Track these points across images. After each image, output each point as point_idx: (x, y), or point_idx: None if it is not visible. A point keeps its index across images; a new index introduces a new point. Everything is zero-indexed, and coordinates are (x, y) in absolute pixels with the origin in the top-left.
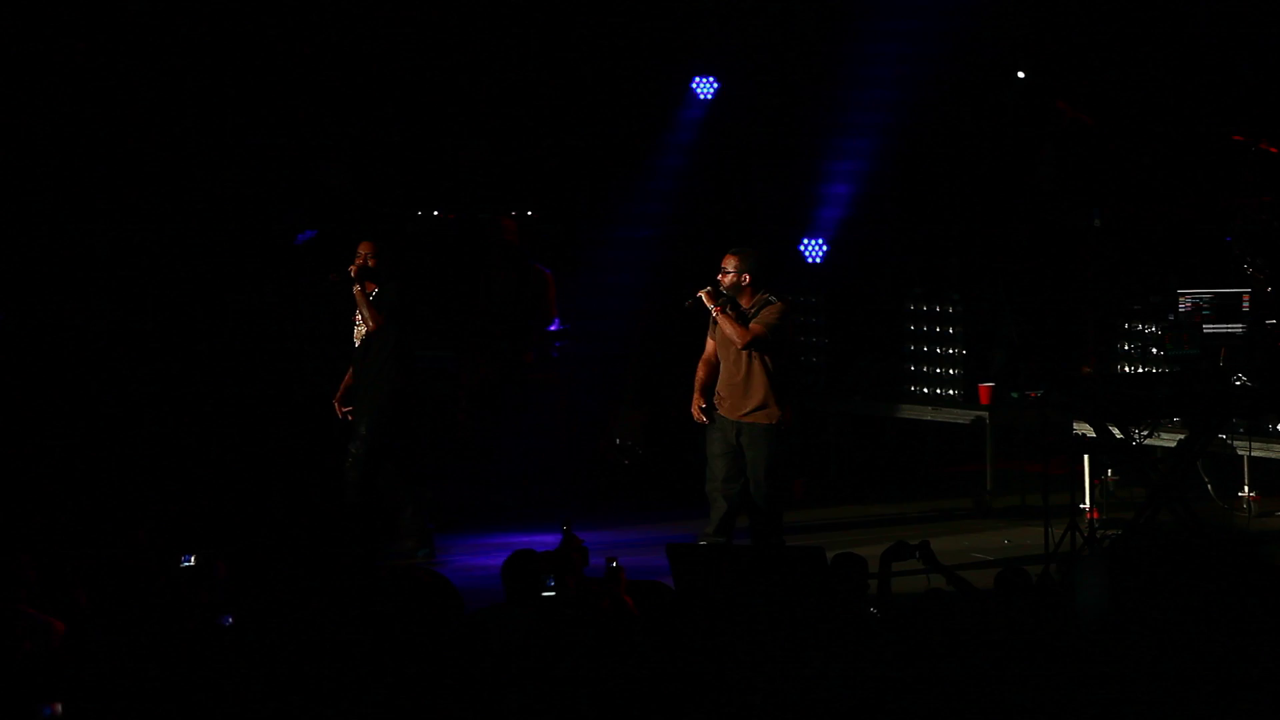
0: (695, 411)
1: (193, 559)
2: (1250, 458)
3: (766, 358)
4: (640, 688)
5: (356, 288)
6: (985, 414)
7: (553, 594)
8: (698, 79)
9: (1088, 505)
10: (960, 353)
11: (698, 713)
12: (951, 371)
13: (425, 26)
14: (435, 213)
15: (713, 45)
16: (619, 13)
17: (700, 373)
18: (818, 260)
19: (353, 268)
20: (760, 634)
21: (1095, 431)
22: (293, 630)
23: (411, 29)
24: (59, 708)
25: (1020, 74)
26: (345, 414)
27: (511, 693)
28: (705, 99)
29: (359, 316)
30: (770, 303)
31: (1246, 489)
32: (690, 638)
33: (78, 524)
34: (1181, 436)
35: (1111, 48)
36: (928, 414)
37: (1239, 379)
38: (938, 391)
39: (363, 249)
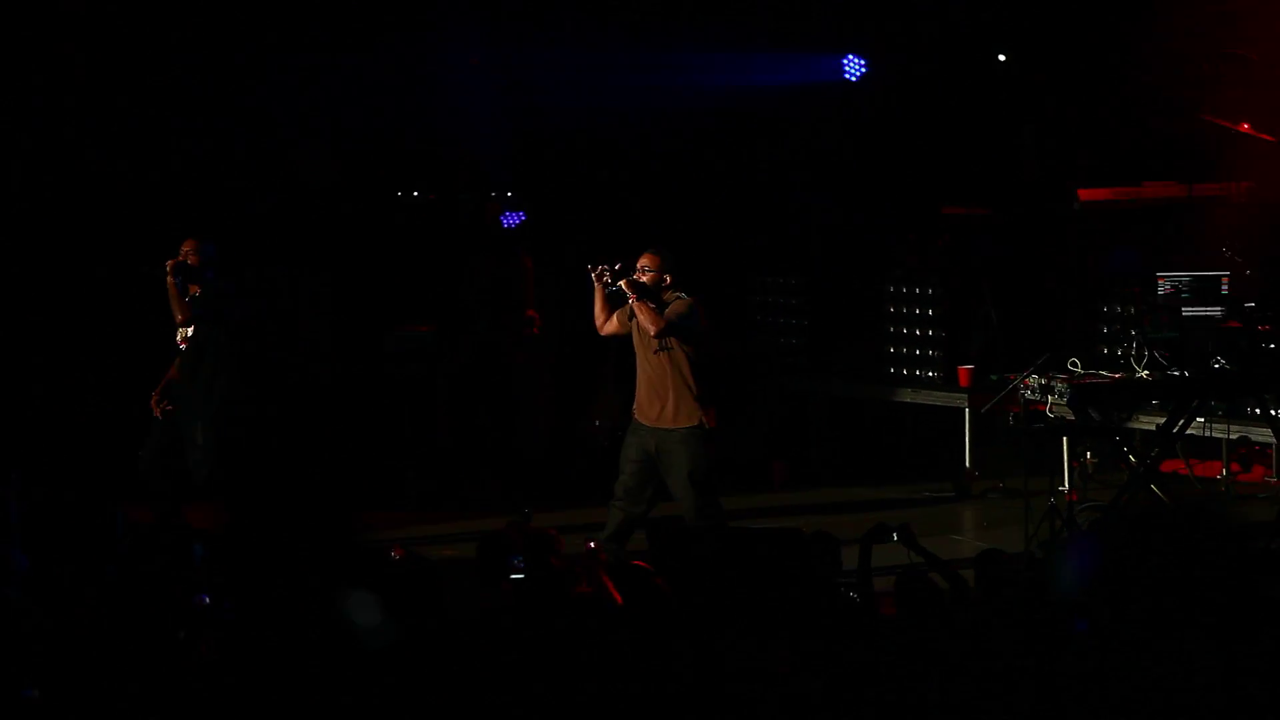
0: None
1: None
2: (1228, 439)
3: (684, 355)
4: (624, 674)
5: (170, 279)
6: (966, 396)
7: (522, 576)
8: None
9: (1066, 488)
10: (940, 335)
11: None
12: (931, 353)
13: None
14: (415, 194)
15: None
16: None
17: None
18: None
19: (171, 262)
20: (737, 616)
21: (1075, 414)
22: (276, 614)
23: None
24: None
25: (1001, 56)
26: (163, 409)
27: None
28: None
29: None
30: (680, 298)
31: (1225, 470)
32: (671, 621)
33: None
34: (1161, 420)
35: (1090, 30)
36: (907, 396)
37: (1218, 362)
38: (917, 373)
39: (186, 246)
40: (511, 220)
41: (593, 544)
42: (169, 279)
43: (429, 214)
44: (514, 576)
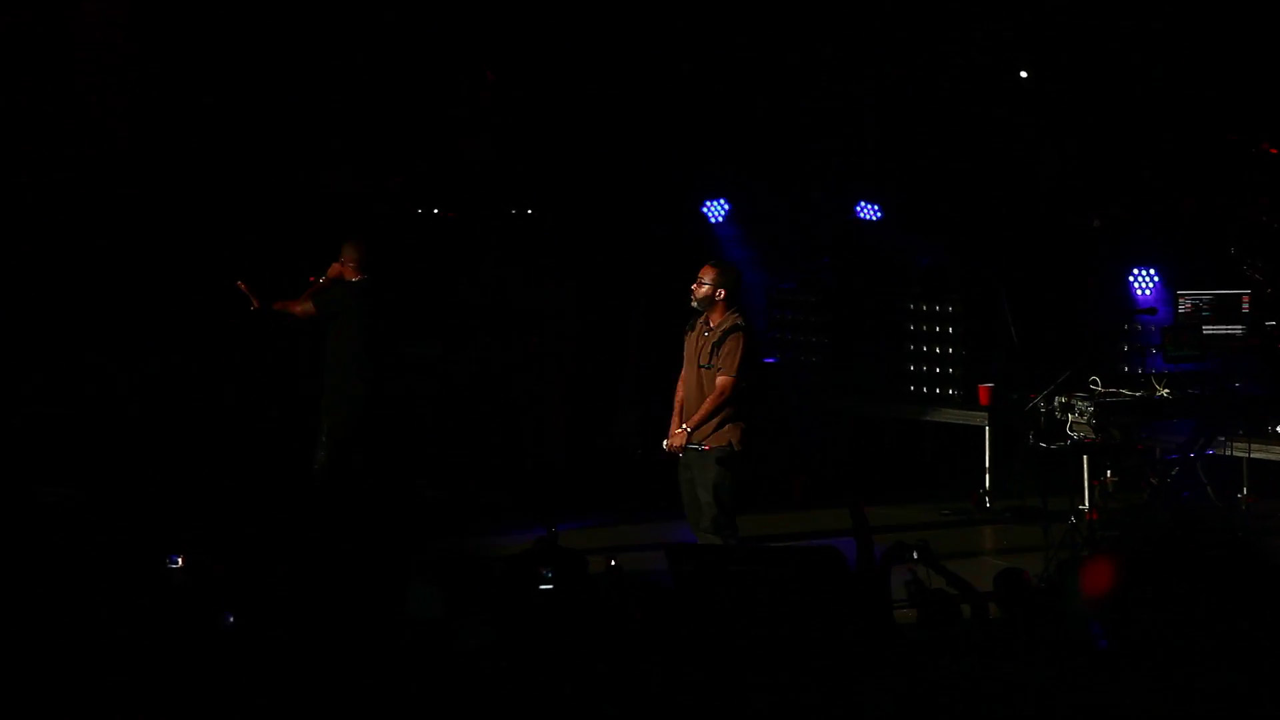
0: (679, 440)
1: (180, 560)
2: (1249, 460)
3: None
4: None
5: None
6: (986, 414)
7: (551, 587)
8: None
9: (1086, 507)
10: (960, 353)
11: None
12: (951, 371)
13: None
14: (435, 210)
15: None
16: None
17: (681, 393)
18: (824, 260)
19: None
20: (765, 638)
21: (1095, 433)
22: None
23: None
24: None
25: (1023, 73)
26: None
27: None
28: None
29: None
30: (735, 329)
31: (1245, 490)
32: (688, 640)
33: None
34: (1181, 439)
35: (1113, 47)
36: (927, 414)
37: (1238, 384)
38: (937, 391)
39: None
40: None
41: (613, 562)
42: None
43: (445, 230)
44: (543, 588)
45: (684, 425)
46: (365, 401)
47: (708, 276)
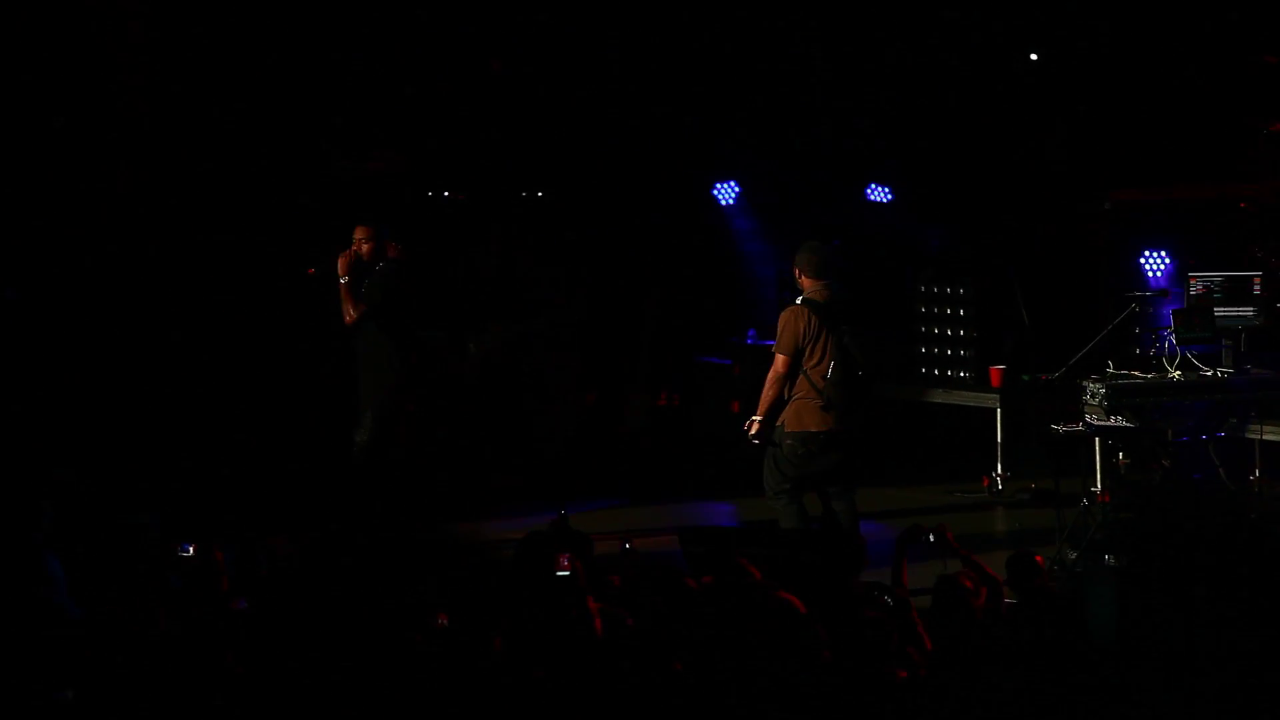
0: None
1: (191, 549)
2: (1261, 441)
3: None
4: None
5: (345, 280)
6: (998, 396)
7: (567, 574)
8: None
9: (1099, 489)
10: (972, 335)
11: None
12: (963, 354)
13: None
14: (445, 193)
15: None
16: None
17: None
18: (837, 242)
19: (347, 256)
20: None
21: (1108, 415)
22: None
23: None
24: (70, 694)
25: (1033, 55)
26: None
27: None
28: None
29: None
30: (786, 308)
31: (1258, 473)
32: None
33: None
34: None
35: (1123, 28)
36: (939, 396)
37: (1250, 367)
38: (949, 374)
39: (359, 234)
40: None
41: (628, 544)
42: (343, 278)
43: (457, 214)
44: (560, 574)
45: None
46: (406, 380)
47: (797, 259)
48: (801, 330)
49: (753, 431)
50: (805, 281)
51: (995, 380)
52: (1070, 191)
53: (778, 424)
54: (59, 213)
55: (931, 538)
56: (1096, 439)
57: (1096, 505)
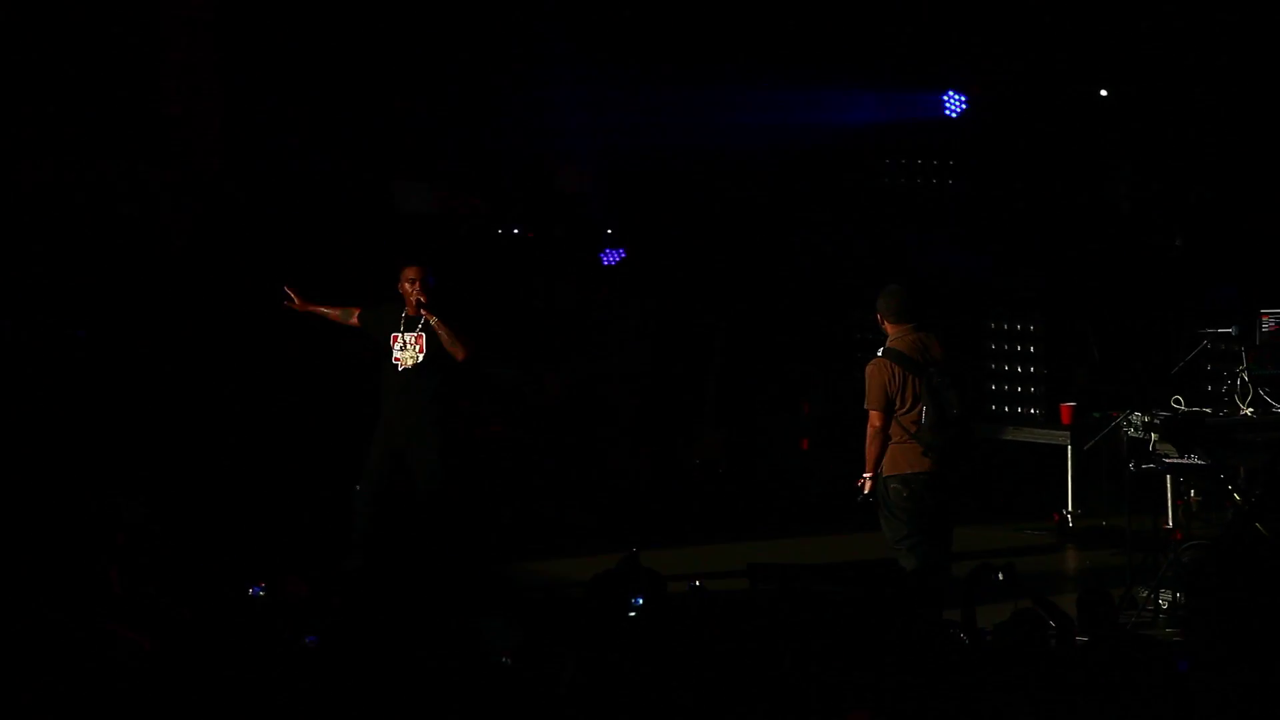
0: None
1: (263, 588)
2: None
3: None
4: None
5: (435, 319)
6: (1068, 434)
7: (635, 614)
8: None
9: (1170, 526)
10: (1042, 371)
11: None
12: (1033, 390)
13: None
14: (515, 230)
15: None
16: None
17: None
18: None
19: (419, 297)
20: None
21: (1179, 452)
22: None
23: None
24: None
25: (1103, 91)
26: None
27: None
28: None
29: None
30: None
31: None
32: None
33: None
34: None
35: (1193, 63)
36: (1009, 433)
37: None
38: (1019, 410)
39: (411, 273)
40: (611, 258)
41: (698, 583)
42: (433, 318)
43: (526, 250)
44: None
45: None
46: (453, 430)
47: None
48: (887, 382)
49: (866, 490)
50: (888, 327)
51: (1066, 417)
52: (1140, 227)
53: (878, 473)
54: (132, 253)
55: (1001, 576)
56: (1168, 476)
57: (1167, 543)
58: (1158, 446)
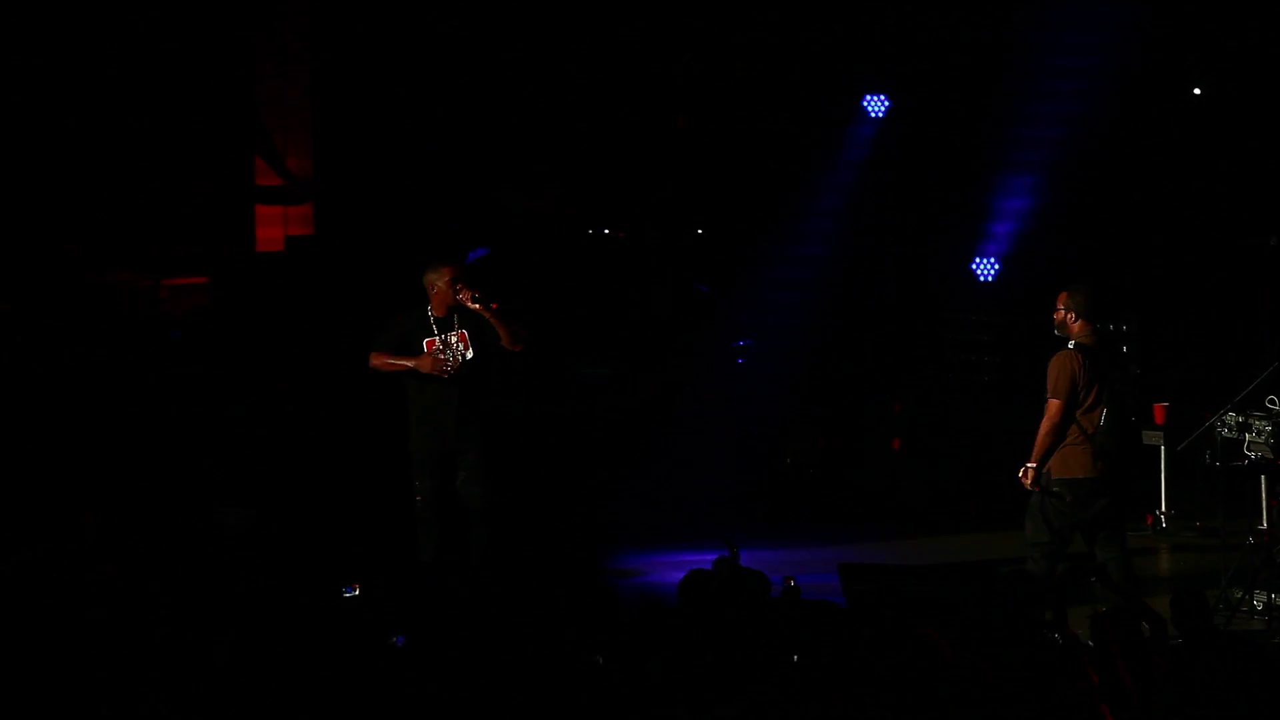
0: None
1: (356, 589)
2: None
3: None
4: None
5: (493, 306)
6: (1162, 434)
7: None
8: (868, 96)
9: (1265, 527)
10: (1135, 371)
11: None
12: None
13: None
14: (606, 231)
15: (883, 61)
16: (789, 30)
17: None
18: (989, 279)
19: (471, 293)
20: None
21: (1274, 453)
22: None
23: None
24: None
25: (1196, 90)
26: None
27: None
28: (876, 116)
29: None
30: (1061, 351)
31: None
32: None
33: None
34: None
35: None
36: None
37: None
38: None
39: (449, 273)
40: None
41: (792, 582)
42: (491, 305)
43: (617, 251)
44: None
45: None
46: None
47: (1059, 302)
48: (1076, 373)
49: (1028, 481)
50: (1076, 325)
51: (1159, 417)
52: (1234, 226)
53: (1045, 472)
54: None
55: (1095, 579)
56: (1262, 476)
57: (1262, 544)
58: (1252, 447)
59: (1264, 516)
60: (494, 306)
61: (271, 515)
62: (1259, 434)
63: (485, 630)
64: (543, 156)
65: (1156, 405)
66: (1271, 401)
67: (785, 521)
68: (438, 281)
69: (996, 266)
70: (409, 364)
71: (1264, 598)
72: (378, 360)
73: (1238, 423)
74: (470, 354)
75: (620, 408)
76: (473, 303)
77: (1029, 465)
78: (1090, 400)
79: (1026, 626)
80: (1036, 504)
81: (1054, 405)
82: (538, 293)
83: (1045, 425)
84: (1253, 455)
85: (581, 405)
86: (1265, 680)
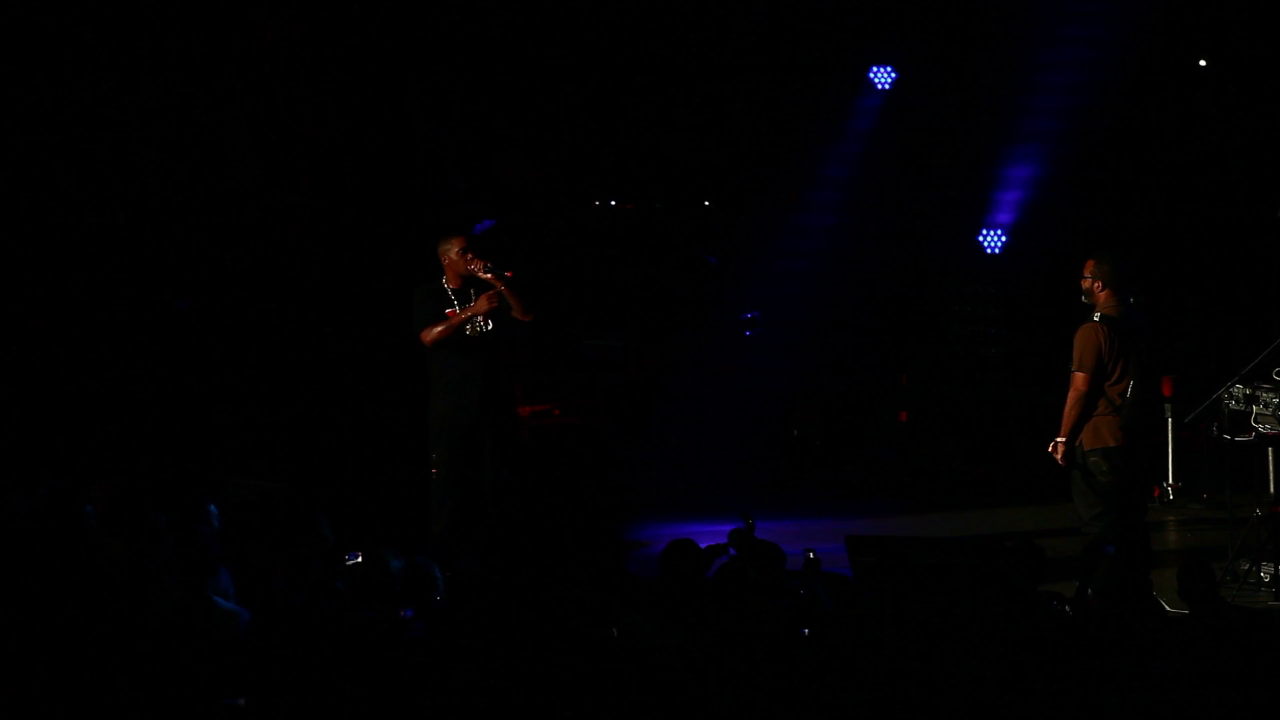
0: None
1: (359, 556)
2: None
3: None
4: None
5: (507, 274)
6: (1169, 406)
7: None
8: (875, 68)
9: (1273, 497)
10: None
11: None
12: None
13: (601, 20)
14: (613, 202)
15: (890, 34)
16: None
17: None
18: (996, 251)
19: (483, 263)
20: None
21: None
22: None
23: (590, 22)
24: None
25: (1202, 62)
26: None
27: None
28: (883, 88)
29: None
30: (1087, 322)
31: None
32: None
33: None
34: None
35: None
36: None
37: None
38: None
39: (460, 243)
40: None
41: (812, 554)
42: (503, 276)
43: (624, 222)
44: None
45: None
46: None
47: (1086, 270)
48: (1101, 345)
49: (1059, 455)
50: (1103, 295)
51: (1166, 389)
52: (1241, 198)
53: (1077, 444)
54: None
55: (1111, 549)
56: (1269, 449)
57: (1269, 515)
58: (1259, 419)
59: (1271, 489)
60: (508, 275)
61: (285, 486)
62: (1266, 406)
63: (493, 605)
64: (546, 125)
65: (1164, 377)
66: (1278, 374)
67: (791, 493)
68: (450, 252)
69: (1004, 238)
70: (466, 314)
71: (1271, 569)
72: (429, 335)
73: (1245, 395)
74: (490, 326)
75: (627, 380)
76: (485, 272)
77: (1059, 440)
78: (1117, 373)
79: (1034, 599)
80: (1080, 479)
81: (1079, 378)
82: (544, 264)
83: (1072, 398)
84: (1260, 427)
85: (588, 377)
86: (1272, 652)
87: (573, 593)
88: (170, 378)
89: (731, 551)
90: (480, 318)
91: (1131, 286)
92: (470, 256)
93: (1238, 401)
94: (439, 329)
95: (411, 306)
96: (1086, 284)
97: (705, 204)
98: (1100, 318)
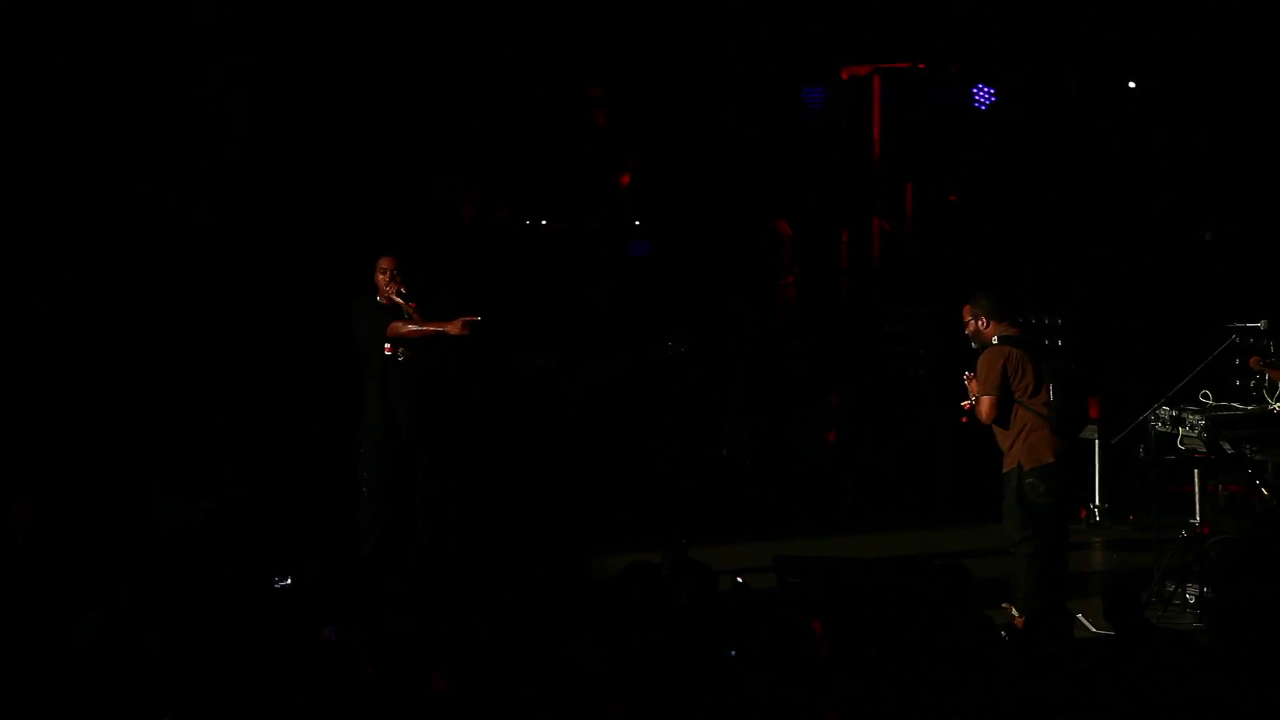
0: None
1: (289, 579)
2: None
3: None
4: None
5: (411, 305)
6: (1095, 428)
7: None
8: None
9: (1198, 520)
10: (1069, 365)
11: None
12: None
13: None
14: (544, 221)
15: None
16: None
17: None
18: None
19: (399, 287)
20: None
21: (1207, 447)
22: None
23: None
24: None
25: (1131, 84)
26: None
27: None
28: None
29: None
30: (985, 349)
31: None
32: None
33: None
34: None
35: (1231, 56)
36: None
37: None
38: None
39: (386, 264)
40: (638, 250)
41: (740, 579)
42: (412, 308)
43: (556, 242)
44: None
45: None
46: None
47: (965, 316)
48: (1003, 366)
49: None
50: (990, 328)
51: (1093, 411)
52: (1171, 221)
53: (1013, 468)
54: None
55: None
56: (1195, 470)
57: (1195, 537)
58: (1185, 441)
59: (1196, 510)
60: (411, 306)
61: (217, 508)
62: (1192, 428)
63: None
64: (478, 148)
65: (1090, 399)
66: (1205, 396)
67: (721, 514)
68: (381, 270)
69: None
70: (439, 327)
71: (1196, 591)
72: (401, 329)
73: (1171, 417)
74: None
75: (561, 398)
76: (397, 296)
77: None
78: (1031, 386)
79: (965, 621)
80: (1012, 500)
81: (985, 402)
82: (476, 285)
83: (985, 421)
84: (1185, 449)
85: (521, 396)
86: (1194, 674)
87: (503, 613)
88: (102, 395)
89: (664, 572)
90: (403, 349)
91: (1013, 313)
92: (386, 278)
93: (1164, 423)
94: (412, 327)
95: (351, 318)
96: (971, 328)
97: (637, 224)
98: (999, 339)
